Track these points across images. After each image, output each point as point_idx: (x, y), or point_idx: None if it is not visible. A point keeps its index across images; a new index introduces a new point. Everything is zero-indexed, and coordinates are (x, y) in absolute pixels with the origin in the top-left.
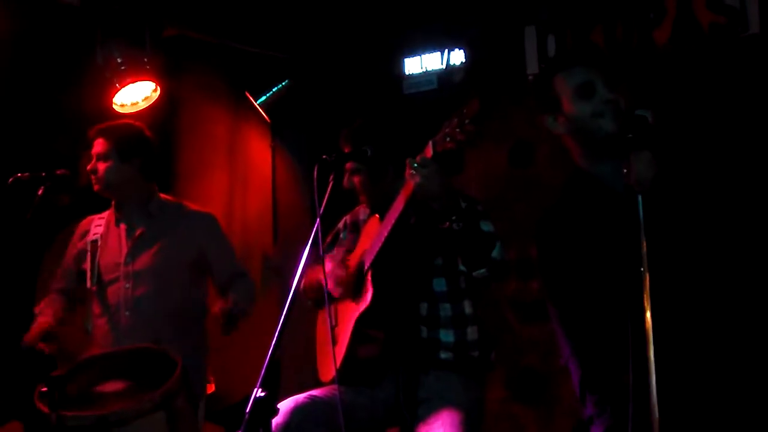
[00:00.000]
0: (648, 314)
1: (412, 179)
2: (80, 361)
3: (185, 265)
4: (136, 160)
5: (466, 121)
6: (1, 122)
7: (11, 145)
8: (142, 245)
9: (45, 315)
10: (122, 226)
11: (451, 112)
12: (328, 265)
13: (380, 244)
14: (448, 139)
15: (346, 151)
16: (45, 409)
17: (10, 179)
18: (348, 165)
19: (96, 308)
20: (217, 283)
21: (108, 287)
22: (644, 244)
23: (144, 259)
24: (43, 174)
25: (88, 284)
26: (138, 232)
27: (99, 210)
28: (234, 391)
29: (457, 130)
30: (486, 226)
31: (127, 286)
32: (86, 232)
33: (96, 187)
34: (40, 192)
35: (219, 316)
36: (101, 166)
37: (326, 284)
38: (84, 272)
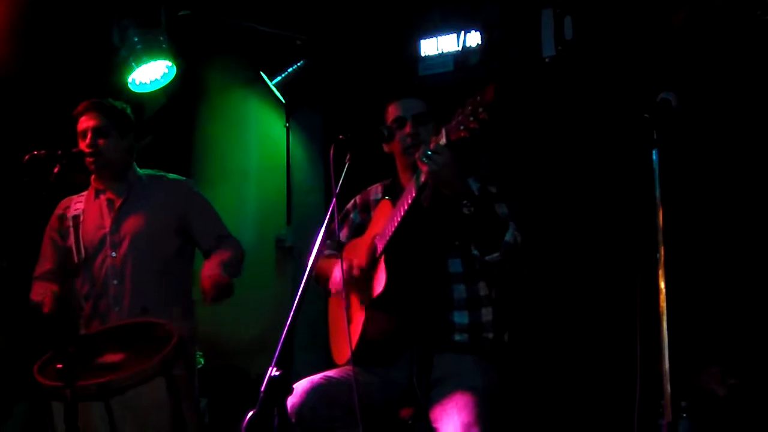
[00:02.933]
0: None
1: (425, 166)
2: (79, 336)
3: (169, 231)
4: (131, 136)
5: (480, 109)
6: (17, 102)
7: (28, 124)
8: (126, 213)
9: (48, 287)
10: (102, 197)
11: (466, 97)
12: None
13: (393, 229)
14: (461, 127)
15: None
16: (49, 382)
17: (26, 157)
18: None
19: (83, 281)
20: (204, 247)
21: (94, 259)
22: (660, 219)
23: (128, 227)
24: (59, 152)
25: (75, 258)
26: (120, 200)
27: None
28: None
29: (471, 118)
30: (500, 209)
31: (114, 254)
32: (67, 209)
33: (93, 165)
34: (56, 170)
35: (206, 288)
36: (102, 141)
37: (343, 265)
38: (69, 248)
